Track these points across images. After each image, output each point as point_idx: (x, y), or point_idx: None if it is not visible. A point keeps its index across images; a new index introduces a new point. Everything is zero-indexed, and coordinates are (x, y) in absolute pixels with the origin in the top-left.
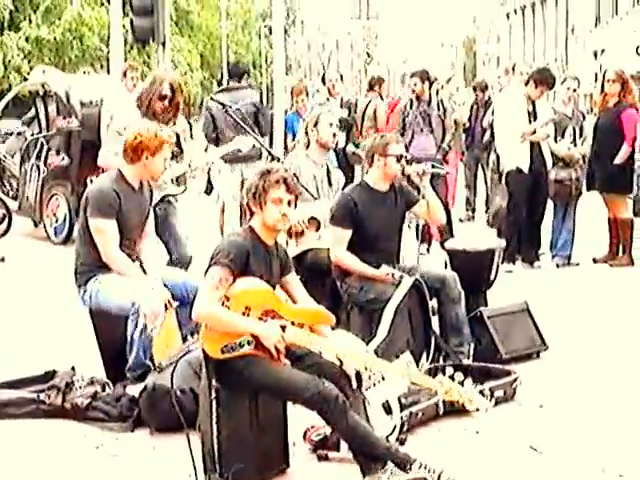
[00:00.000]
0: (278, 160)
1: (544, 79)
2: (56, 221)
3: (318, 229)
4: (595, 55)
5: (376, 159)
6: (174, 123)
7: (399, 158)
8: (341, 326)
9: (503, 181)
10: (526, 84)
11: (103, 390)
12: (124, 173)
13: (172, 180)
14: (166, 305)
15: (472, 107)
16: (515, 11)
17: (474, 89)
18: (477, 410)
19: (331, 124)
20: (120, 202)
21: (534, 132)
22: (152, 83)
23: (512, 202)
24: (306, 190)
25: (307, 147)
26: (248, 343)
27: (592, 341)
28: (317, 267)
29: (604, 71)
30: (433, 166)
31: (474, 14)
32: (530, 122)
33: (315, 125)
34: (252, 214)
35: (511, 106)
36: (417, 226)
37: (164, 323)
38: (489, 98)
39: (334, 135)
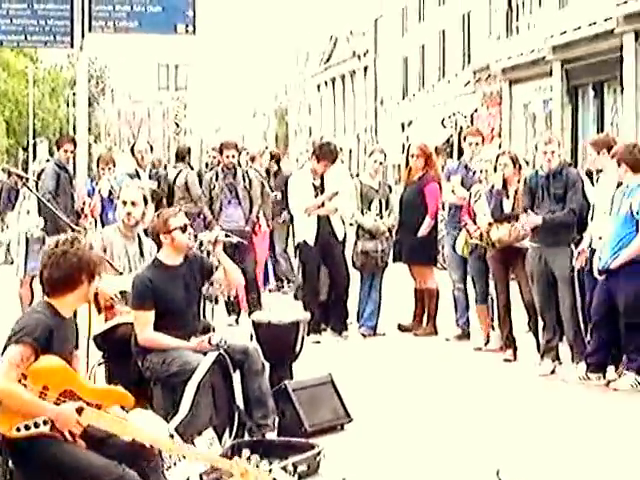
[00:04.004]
0: (79, 232)
1: (324, 154)
2: None
3: (127, 303)
4: (403, 127)
5: (163, 238)
6: None
7: (184, 228)
8: (146, 402)
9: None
10: (311, 159)
11: None
12: None
13: None
14: None
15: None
16: (326, 83)
17: (271, 156)
18: None
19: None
20: None
21: (323, 205)
22: None
23: (305, 273)
24: (111, 265)
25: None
26: (44, 423)
27: (396, 412)
28: (127, 342)
29: (408, 145)
30: (226, 235)
31: (286, 85)
32: (317, 196)
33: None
34: None
35: (299, 180)
36: (228, 298)
37: None
38: (279, 169)
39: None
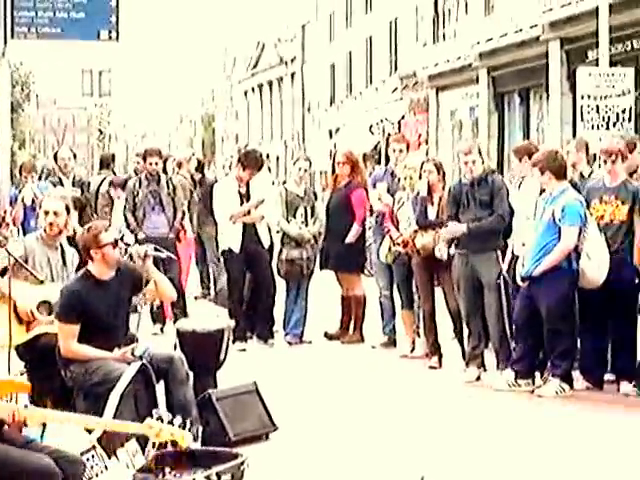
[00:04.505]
0: None
1: (250, 162)
2: None
3: (50, 313)
4: (330, 134)
5: (93, 253)
6: None
7: (114, 244)
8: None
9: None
10: (236, 166)
11: None
12: None
13: None
14: None
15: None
16: (253, 89)
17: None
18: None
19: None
20: None
21: (248, 213)
22: None
23: (230, 281)
24: (31, 273)
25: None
26: None
27: (322, 421)
28: (50, 351)
29: (334, 153)
30: (155, 249)
31: (212, 90)
32: (242, 204)
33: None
34: None
35: (225, 187)
36: (151, 307)
37: None
38: (203, 176)
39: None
